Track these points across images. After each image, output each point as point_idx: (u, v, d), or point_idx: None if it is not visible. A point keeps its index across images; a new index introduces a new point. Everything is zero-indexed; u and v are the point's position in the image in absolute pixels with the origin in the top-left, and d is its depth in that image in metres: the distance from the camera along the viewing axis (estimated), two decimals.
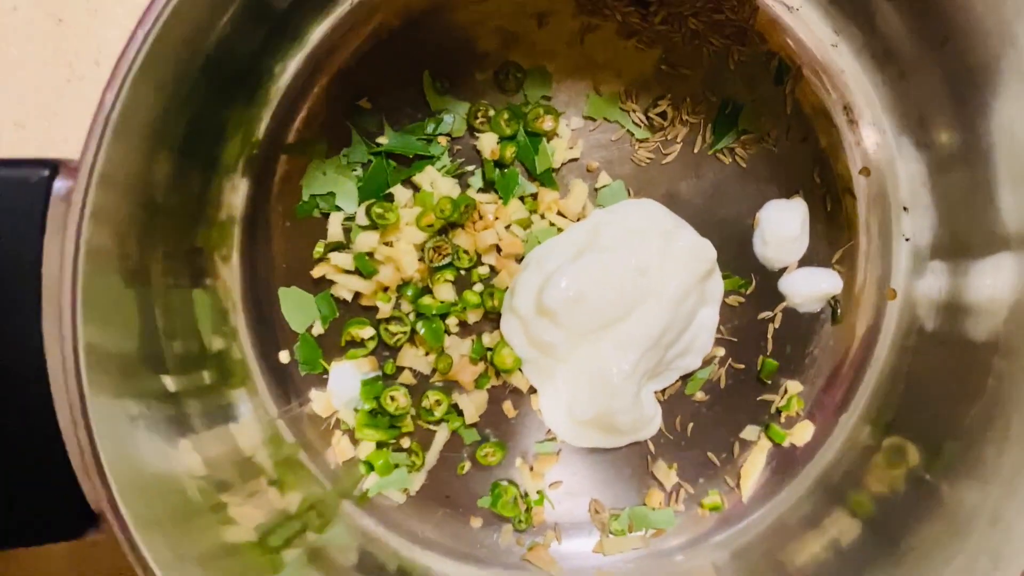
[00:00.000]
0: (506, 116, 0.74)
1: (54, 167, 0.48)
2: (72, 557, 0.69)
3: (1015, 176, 0.63)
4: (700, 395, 0.78)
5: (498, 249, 0.75)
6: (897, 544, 0.66)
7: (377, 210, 0.72)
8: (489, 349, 0.76)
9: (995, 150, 0.64)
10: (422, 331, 0.74)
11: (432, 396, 0.75)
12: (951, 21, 0.62)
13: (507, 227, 0.74)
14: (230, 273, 0.73)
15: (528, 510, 0.77)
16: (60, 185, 0.48)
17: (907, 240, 0.75)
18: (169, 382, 0.64)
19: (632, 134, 0.76)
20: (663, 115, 0.77)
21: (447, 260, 0.74)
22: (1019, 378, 0.62)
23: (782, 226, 0.76)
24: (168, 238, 0.64)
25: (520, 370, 0.76)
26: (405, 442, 0.77)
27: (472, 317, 0.75)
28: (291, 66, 0.72)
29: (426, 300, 0.74)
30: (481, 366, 0.76)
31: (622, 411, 0.74)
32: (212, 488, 0.65)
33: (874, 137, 0.76)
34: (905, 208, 0.75)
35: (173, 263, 0.65)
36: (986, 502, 0.61)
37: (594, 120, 0.77)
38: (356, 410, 0.75)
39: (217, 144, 0.67)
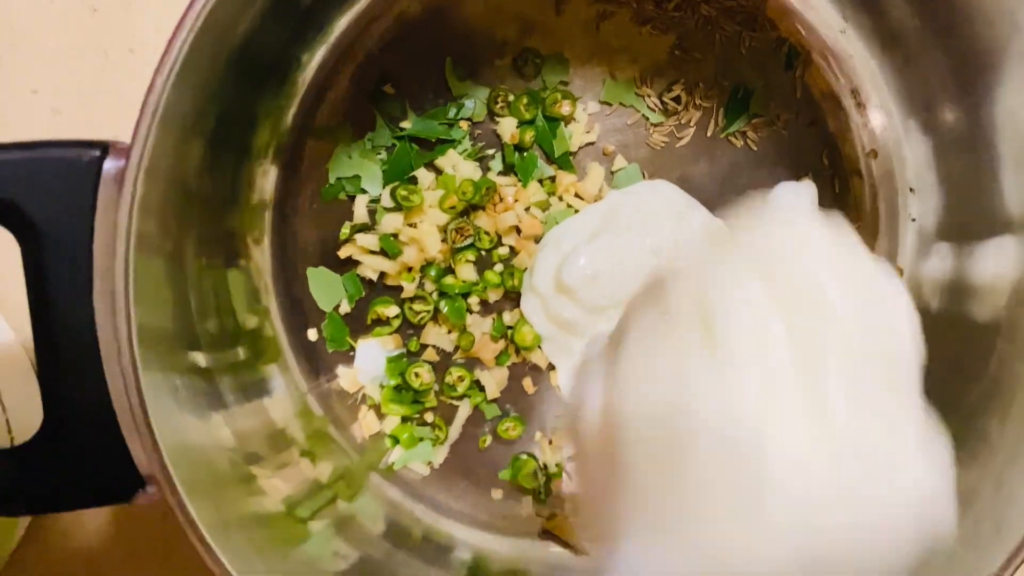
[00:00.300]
0: (525, 101, 0.77)
1: (104, 148, 0.50)
2: (118, 523, 0.72)
3: (1018, 160, 0.64)
4: None
5: (518, 230, 0.77)
6: None
7: (402, 192, 0.75)
8: (509, 327, 0.78)
9: (999, 133, 0.66)
10: (445, 310, 0.77)
11: (455, 372, 0.78)
12: (956, 7, 0.64)
13: (526, 209, 0.77)
14: (262, 255, 0.75)
15: (548, 482, 0.80)
16: (110, 165, 0.50)
17: (913, 220, 0.78)
18: (203, 358, 0.66)
19: (647, 118, 0.79)
20: (677, 99, 0.79)
21: (469, 241, 0.77)
22: (1020, 359, 0.64)
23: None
24: (204, 221, 0.67)
25: (539, 347, 0.78)
26: (429, 417, 0.79)
27: (493, 296, 0.78)
28: (317, 55, 0.75)
29: (449, 280, 0.77)
30: (502, 344, 0.79)
31: None
32: (243, 460, 0.68)
33: (881, 120, 0.78)
34: (912, 189, 0.77)
35: (209, 245, 0.68)
36: (989, 471, 0.63)
37: (610, 105, 0.79)
38: (382, 386, 0.78)
39: (249, 132, 0.70)
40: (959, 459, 0.66)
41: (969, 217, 0.72)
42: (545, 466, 0.81)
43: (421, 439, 0.79)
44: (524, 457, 0.80)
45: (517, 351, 0.79)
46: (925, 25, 0.69)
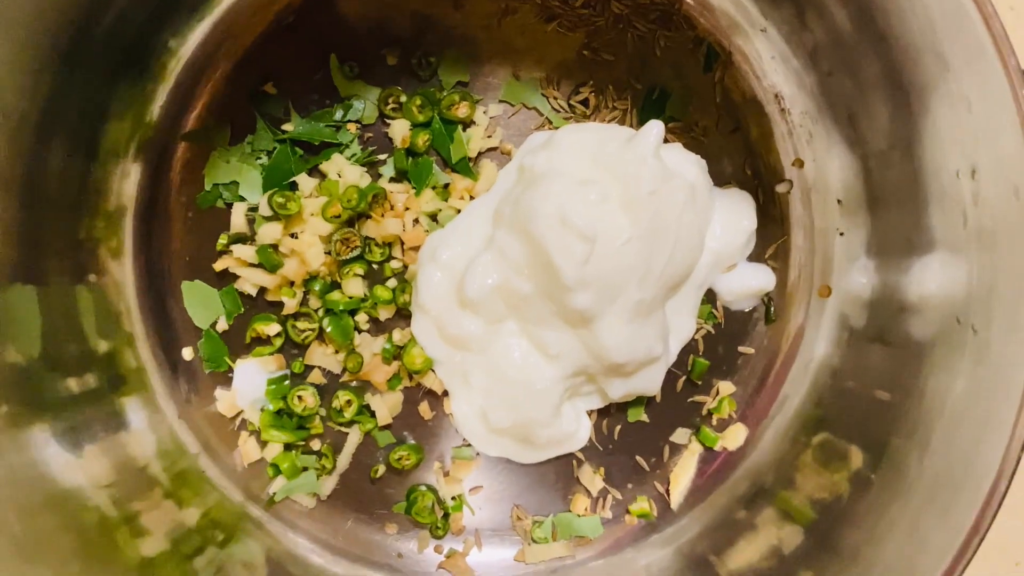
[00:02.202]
0: (419, 102, 0.71)
1: None
2: None
3: (942, 189, 0.59)
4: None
5: (401, 241, 0.71)
6: (838, 542, 0.63)
7: (278, 199, 0.69)
8: (401, 347, 0.72)
9: (923, 160, 0.61)
10: (330, 328, 0.70)
11: (343, 396, 0.72)
12: (882, 33, 0.59)
13: (415, 220, 0.71)
14: (121, 268, 0.69)
15: (446, 516, 0.74)
16: None
17: (841, 235, 0.72)
18: (57, 388, 0.61)
19: (550, 121, 0.73)
20: (585, 103, 0.73)
21: (356, 253, 0.71)
22: (942, 381, 0.58)
23: (738, 218, 0.73)
24: (44, 230, 0.60)
25: (433, 371, 0.72)
26: (315, 444, 0.73)
27: (384, 314, 0.72)
28: (190, 45, 0.69)
29: (334, 295, 0.71)
30: (395, 366, 0.72)
31: (541, 423, 0.70)
32: (124, 497, 0.62)
33: (807, 127, 0.73)
34: (839, 200, 0.72)
35: (54, 259, 0.61)
36: (905, 512, 0.58)
37: (512, 105, 0.73)
38: (262, 410, 0.71)
39: (99, 126, 0.64)
40: (879, 500, 0.61)
41: (896, 233, 0.66)
42: (444, 499, 0.74)
43: (306, 468, 0.72)
44: (421, 489, 0.74)
45: (411, 375, 0.73)
46: (851, 40, 0.64)
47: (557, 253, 0.64)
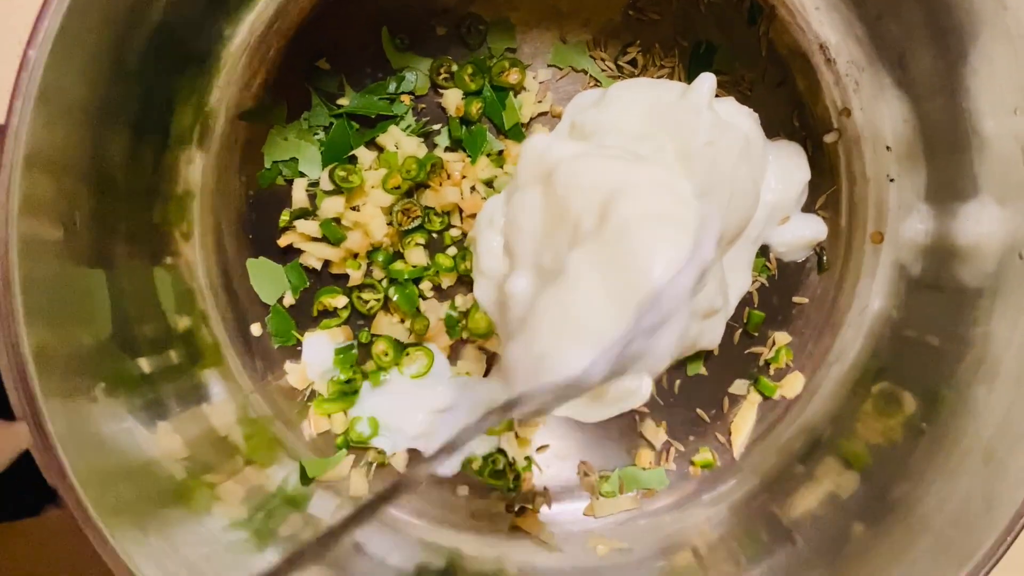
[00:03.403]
0: (470, 71, 0.72)
1: None
2: (33, 537, 0.67)
3: (997, 127, 0.60)
4: None
5: (460, 209, 0.72)
6: (891, 491, 0.64)
7: (340, 173, 0.70)
8: (464, 312, 0.73)
9: (975, 98, 0.61)
10: (395, 297, 0.72)
11: (414, 352, 0.73)
12: None
13: (472, 188, 0.72)
14: (192, 250, 0.70)
15: (517, 477, 0.75)
16: None
17: (891, 181, 0.73)
18: (145, 364, 0.62)
19: (599, 82, 0.74)
20: (633, 63, 0.74)
21: (417, 223, 0.72)
22: (1006, 321, 0.59)
23: (791, 170, 0.74)
24: (121, 217, 0.62)
25: (496, 334, 0.73)
26: None
27: (446, 281, 0.73)
28: (243, 29, 0.69)
29: (398, 265, 0.72)
30: (458, 330, 0.74)
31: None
32: (199, 469, 0.64)
33: (854, 75, 0.73)
34: (888, 147, 0.72)
35: (130, 243, 0.63)
36: (978, 442, 0.59)
37: (560, 69, 0.74)
38: (331, 380, 0.73)
39: (167, 114, 0.65)
40: (949, 430, 0.62)
41: (949, 176, 0.67)
42: (514, 460, 0.76)
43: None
44: (493, 452, 0.75)
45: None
46: None
47: None
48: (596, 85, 0.74)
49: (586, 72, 0.74)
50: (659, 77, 0.74)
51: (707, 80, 0.66)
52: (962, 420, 0.61)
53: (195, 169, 0.70)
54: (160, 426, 0.64)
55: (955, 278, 0.66)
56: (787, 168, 0.74)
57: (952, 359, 0.64)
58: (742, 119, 0.70)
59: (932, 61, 0.64)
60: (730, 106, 0.71)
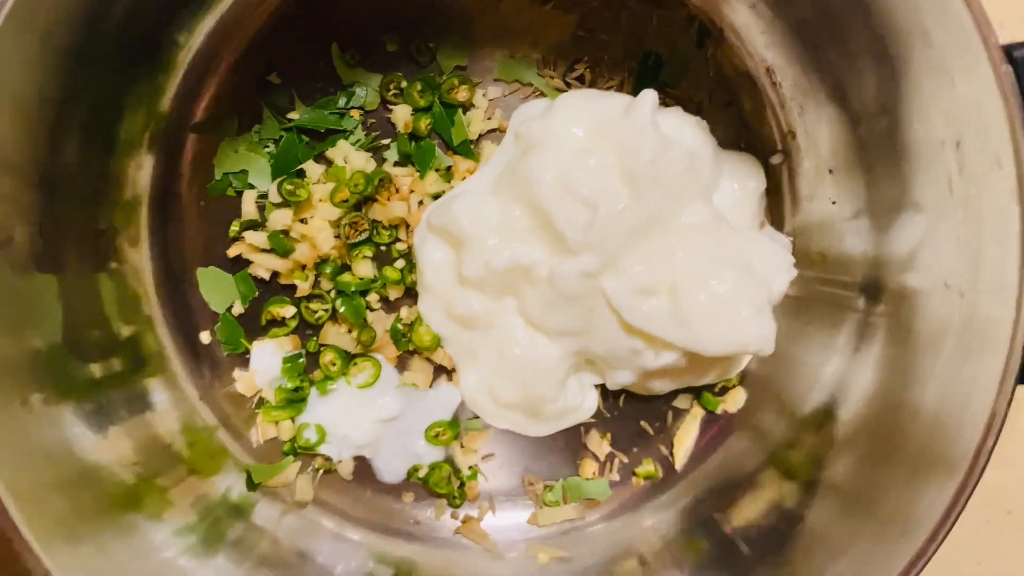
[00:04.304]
0: (419, 87, 0.73)
1: None
2: None
3: (929, 158, 0.61)
4: None
5: (407, 223, 0.73)
6: (831, 500, 0.66)
7: (288, 186, 0.71)
8: (409, 325, 0.75)
9: (909, 131, 0.62)
10: (343, 309, 0.73)
11: (360, 361, 0.74)
12: (869, 7, 0.60)
13: (419, 202, 0.73)
14: (139, 256, 0.71)
15: (462, 486, 0.77)
16: None
17: (833, 204, 0.74)
18: (86, 372, 0.63)
19: (547, 95, 0.75)
20: (581, 79, 0.75)
21: (364, 236, 0.73)
22: (933, 343, 0.61)
23: (746, 179, 0.75)
24: (68, 222, 0.63)
25: (442, 347, 0.75)
26: None
27: (393, 293, 0.75)
28: (197, 38, 0.70)
29: (345, 277, 0.73)
30: (404, 343, 0.75)
31: (547, 399, 0.73)
32: (150, 474, 0.65)
33: (798, 99, 0.74)
34: (831, 171, 0.74)
35: (76, 248, 0.64)
36: (900, 468, 0.61)
37: (509, 85, 0.75)
38: (278, 388, 0.74)
39: (115, 119, 0.66)
40: (871, 458, 0.64)
41: (887, 202, 0.68)
42: (459, 469, 0.77)
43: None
44: (438, 461, 0.77)
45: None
46: (836, 13, 0.65)
47: (560, 218, 0.66)
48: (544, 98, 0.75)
49: (534, 86, 0.75)
50: (607, 88, 0.75)
51: (649, 95, 0.67)
52: (897, 430, 0.62)
53: (144, 174, 0.71)
54: (111, 431, 0.65)
55: (890, 299, 0.67)
56: (741, 176, 0.75)
57: (887, 371, 0.66)
58: (688, 130, 0.71)
59: (869, 89, 0.65)
60: (677, 117, 0.72)
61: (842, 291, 0.73)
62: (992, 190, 0.55)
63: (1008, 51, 0.54)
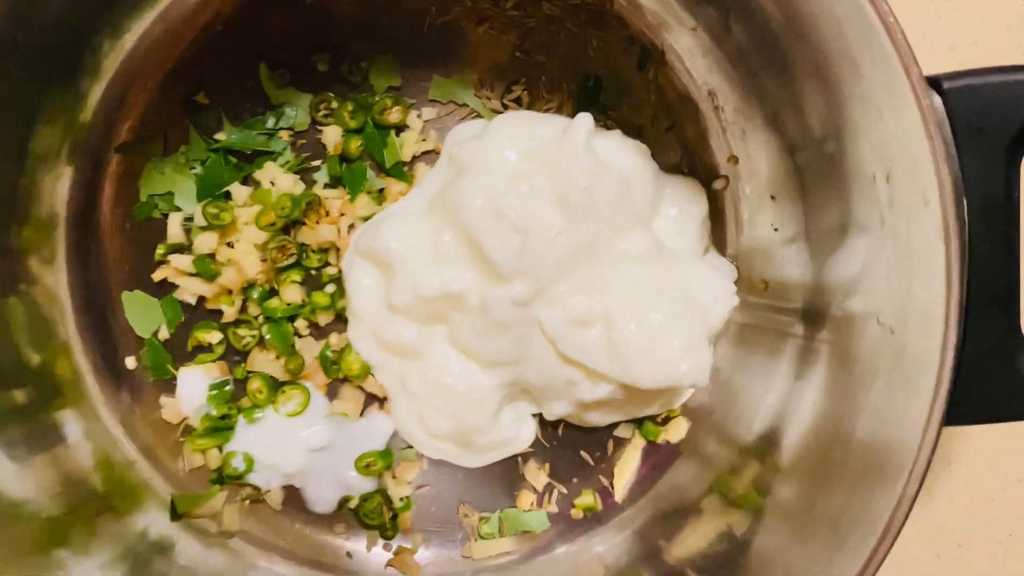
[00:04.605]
0: (350, 108, 0.71)
1: None
2: None
3: (862, 190, 0.59)
4: None
5: (337, 248, 0.71)
6: (778, 526, 0.65)
7: (211, 210, 0.69)
8: (339, 352, 0.73)
9: (844, 161, 0.61)
10: (269, 336, 0.71)
11: (289, 389, 0.72)
12: (802, 37, 0.59)
13: (350, 226, 0.71)
14: (55, 277, 0.69)
15: (395, 517, 0.75)
16: None
17: (776, 231, 0.72)
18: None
19: (483, 117, 0.73)
20: (518, 100, 0.74)
21: (292, 260, 0.71)
22: (866, 379, 0.60)
23: (689, 204, 0.73)
24: None
25: (372, 376, 0.73)
26: None
27: (323, 319, 0.73)
28: (119, 55, 0.68)
29: (272, 303, 0.72)
30: (334, 370, 0.73)
31: (479, 430, 0.71)
32: (81, 503, 0.63)
33: (740, 124, 0.73)
34: (773, 197, 0.72)
35: None
36: (835, 495, 0.60)
37: (444, 105, 0.74)
38: (204, 416, 0.72)
39: (28, 129, 0.63)
40: (808, 488, 0.63)
41: (825, 231, 0.67)
42: (391, 500, 0.75)
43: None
44: (369, 492, 0.75)
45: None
46: (771, 42, 0.63)
47: (490, 244, 0.64)
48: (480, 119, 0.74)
49: (469, 106, 0.73)
50: (546, 110, 0.74)
51: (584, 120, 0.66)
52: (831, 463, 0.61)
53: (62, 192, 0.69)
54: (34, 461, 0.63)
55: (828, 330, 0.65)
56: (683, 201, 0.74)
57: (823, 405, 0.64)
58: (627, 154, 0.70)
59: (806, 117, 0.64)
60: (615, 140, 0.70)
61: (784, 317, 0.71)
62: (920, 227, 0.54)
63: (937, 82, 0.53)
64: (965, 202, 0.53)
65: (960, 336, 0.52)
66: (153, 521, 0.70)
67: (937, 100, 0.52)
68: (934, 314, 0.53)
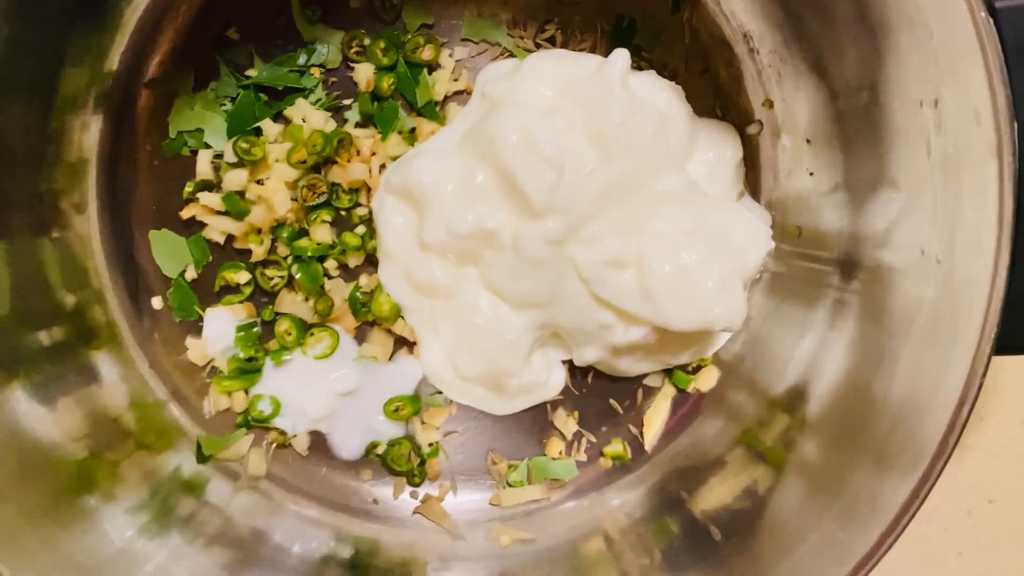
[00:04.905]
0: (383, 45, 0.70)
1: None
2: None
3: (907, 121, 0.58)
4: None
5: (368, 187, 0.71)
6: (802, 480, 0.64)
7: (243, 145, 0.68)
8: (368, 294, 0.72)
9: (889, 94, 0.60)
10: (298, 275, 0.70)
11: (317, 332, 0.72)
12: None
13: (381, 166, 0.70)
14: (85, 221, 0.68)
15: (422, 463, 0.74)
16: None
17: (811, 175, 0.71)
18: (32, 344, 0.61)
19: (516, 57, 0.72)
20: (552, 40, 0.73)
21: (323, 199, 0.70)
22: (909, 309, 0.59)
23: (722, 148, 0.72)
24: (3, 183, 0.60)
25: (402, 318, 0.72)
26: None
27: (353, 260, 0.72)
28: None
29: (302, 242, 0.71)
30: (364, 312, 0.72)
31: (510, 372, 0.70)
32: (102, 447, 0.63)
33: (776, 67, 0.72)
34: (808, 140, 0.71)
35: (14, 213, 0.61)
36: (871, 440, 0.59)
37: (477, 44, 0.73)
38: (231, 357, 0.71)
39: (56, 73, 0.62)
40: (843, 430, 0.62)
41: (864, 170, 0.66)
42: (419, 446, 0.74)
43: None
44: (397, 437, 0.74)
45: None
46: None
47: (524, 179, 0.63)
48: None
49: (502, 46, 0.72)
50: (580, 50, 0.73)
51: (621, 56, 0.65)
52: (871, 401, 0.60)
53: (91, 134, 0.68)
54: (60, 403, 0.62)
55: (867, 268, 0.64)
56: (718, 145, 0.73)
57: (862, 340, 0.64)
58: (662, 94, 0.69)
59: (850, 60, 0.63)
60: (651, 80, 0.69)
61: (818, 266, 0.70)
62: (971, 147, 0.53)
63: (988, 1, 0.52)
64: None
65: (1012, 256, 0.51)
66: (185, 460, 0.69)
67: (986, 17, 0.51)
68: (985, 236, 0.52)
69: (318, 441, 0.74)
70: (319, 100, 0.71)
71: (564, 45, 0.73)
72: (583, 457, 0.76)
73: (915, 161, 0.59)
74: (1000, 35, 0.52)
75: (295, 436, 0.73)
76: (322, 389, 0.72)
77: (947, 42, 0.52)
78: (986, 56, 0.50)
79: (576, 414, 0.75)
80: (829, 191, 0.70)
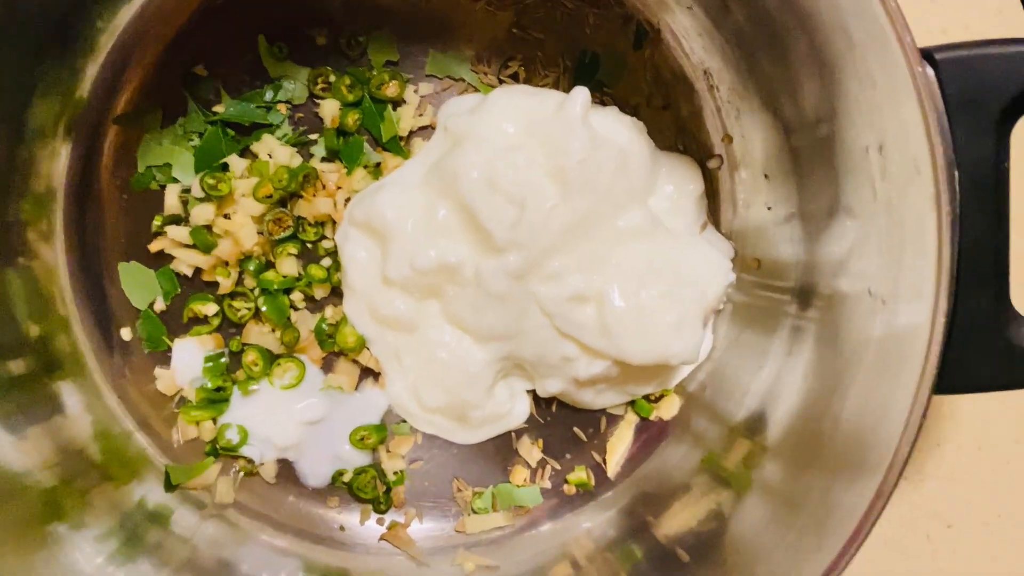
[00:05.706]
0: (348, 82, 0.72)
1: None
2: None
3: (855, 163, 0.60)
4: None
5: (333, 221, 0.72)
6: (763, 505, 0.65)
7: (209, 180, 0.69)
8: (334, 325, 0.73)
9: (839, 135, 0.61)
10: (265, 308, 0.71)
11: (284, 362, 0.73)
12: (799, 13, 0.59)
13: (347, 199, 0.72)
14: (52, 251, 0.69)
15: (388, 491, 0.75)
16: None
17: (769, 209, 0.73)
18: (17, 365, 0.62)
19: (479, 91, 0.74)
20: (515, 76, 0.74)
21: (289, 232, 0.71)
22: (858, 348, 0.60)
23: (685, 182, 0.73)
24: None
25: (367, 349, 0.73)
26: None
27: (319, 292, 0.73)
28: (119, 25, 0.68)
29: (269, 275, 0.72)
30: (330, 344, 0.73)
31: (473, 404, 0.71)
32: (72, 475, 0.63)
33: (735, 103, 0.73)
34: (766, 175, 0.73)
35: None
36: (824, 470, 0.60)
37: (441, 80, 0.74)
38: (199, 388, 0.73)
39: (25, 102, 0.63)
40: (796, 461, 0.63)
41: (818, 208, 0.67)
42: (385, 474, 0.75)
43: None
44: (363, 465, 0.75)
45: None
46: (769, 19, 0.64)
47: (486, 215, 0.65)
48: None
49: (465, 81, 0.74)
50: (543, 85, 0.74)
51: (581, 93, 0.66)
52: (820, 434, 0.61)
53: (60, 165, 0.69)
54: (29, 432, 0.63)
55: (819, 304, 0.66)
56: (680, 179, 0.74)
57: (815, 373, 0.65)
58: (623, 130, 0.70)
59: (802, 98, 0.64)
60: (612, 116, 0.71)
61: (777, 295, 0.72)
62: (912, 196, 0.54)
63: (930, 54, 0.53)
64: (956, 173, 0.53)
65: (951, 305, 0.53)
66: (150, 491, 0.70)
67: (930, 71, 0.53)
68: (925, 283, 0.53)
69: (285, 469, 0.75)
70: (285, 135, 0.72)
71: (527, 81, 0.74)
72: (547, 484, 0.77)
73: (864, 200, 0.60)
74: (941, 86, 0.53)
75: (263, 464, 0.74)
76: (289, 418, 0.73)
77: (888, 93, 0.54)
78: (923, 108, 0.51)
79: (540, 442, 0.77)
80: (786, 222, 0.71)
